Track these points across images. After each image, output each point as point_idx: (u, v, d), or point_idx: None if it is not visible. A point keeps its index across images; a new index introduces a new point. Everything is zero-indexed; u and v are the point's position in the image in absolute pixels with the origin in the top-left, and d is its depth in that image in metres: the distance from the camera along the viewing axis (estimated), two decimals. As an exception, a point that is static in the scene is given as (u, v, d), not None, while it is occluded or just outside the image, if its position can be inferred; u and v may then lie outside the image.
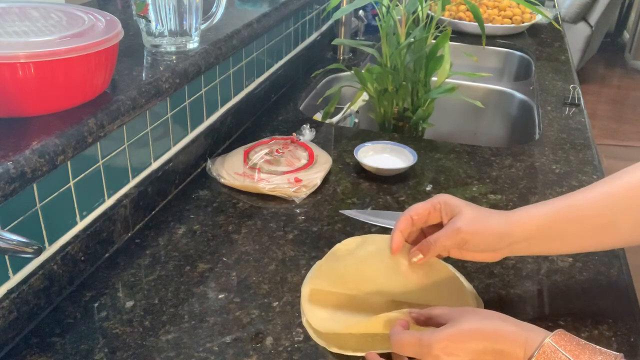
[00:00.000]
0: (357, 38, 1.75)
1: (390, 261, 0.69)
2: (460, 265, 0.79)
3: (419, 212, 0.69)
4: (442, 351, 0.56)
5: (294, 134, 1.08)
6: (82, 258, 0.74)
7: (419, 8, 1.18)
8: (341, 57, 1.64)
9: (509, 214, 0.67)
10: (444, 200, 0.68)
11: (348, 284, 0.69)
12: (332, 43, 1.43)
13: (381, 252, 0.70)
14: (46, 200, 0.67)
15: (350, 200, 0.94)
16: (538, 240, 0.66)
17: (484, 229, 0.66)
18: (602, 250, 0.78)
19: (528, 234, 0.66)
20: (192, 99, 0.97)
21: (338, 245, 0.75)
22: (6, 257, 0.63)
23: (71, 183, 0.71)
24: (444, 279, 0.70)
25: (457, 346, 0.56)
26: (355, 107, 1.33)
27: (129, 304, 0.71)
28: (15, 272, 0.65)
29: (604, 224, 0.65)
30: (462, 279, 0.75)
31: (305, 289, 0.73)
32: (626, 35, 5.02)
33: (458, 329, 0.57)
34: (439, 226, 0.69)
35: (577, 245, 0.68)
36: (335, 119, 1.29)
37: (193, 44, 0.92)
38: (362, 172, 1.02)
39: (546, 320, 0.70)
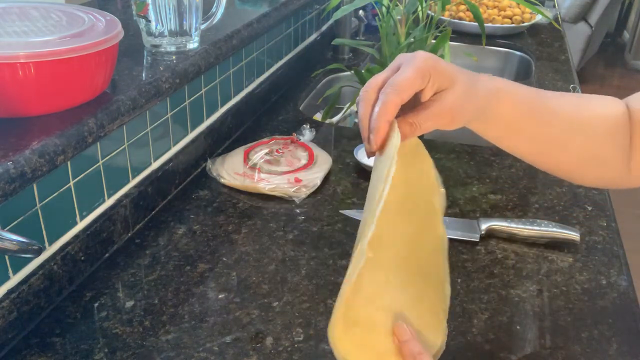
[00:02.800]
0: (357, 38, 1.75)
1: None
2: (461, 265, 0.79)
3: (408, 90, 0.52)
4: None
5: (294, 134, 1.08)
6: (82, 258, 0.74)
7: (419, 8, 1.18)
8: (341, 57, 1.64)
9: (490, 80, 0.59)
10: (433, 65, 0.53)
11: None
12: (332, 43, 1.43)
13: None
14: (46, 200, 0.67)
15: (350, 200, 0.94)
16: (496, 120, 0.60)
17: (471, 105, 0.57)
18: (543, 169, 0.70)
19: (501, 112, 0.60)
20: (192, 99, 0.97)
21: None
22: (6, 257, 0.63)
23: (71, 183, 0.71)
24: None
25: None
26: (355, 107, 1.33)
27: (129, 304, 0.71)
28: (15, 272, 0.65)
29: (553, 136, 0.62)
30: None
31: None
32: (626, 35, 5.02)
33: None
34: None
35: (524, 148, 0.63)
36: (335, 119, 1.29)
37: (193, 44, 0.92)
38: (362, 172, 1.02)
39: (546, 320, 0.70)
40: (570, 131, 0.62)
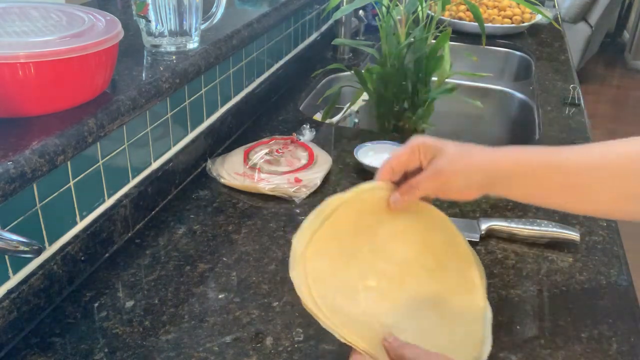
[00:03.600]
0: (357, 38, 1.75)
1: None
2: (460, 265, 0.79)
3: (399, 159, 0.66)
4: None
5: (294, 134, 1.08)
6: (82, 258, 0.74)
7: (419, 8, 1.18)
8: (341, 57, 1.64)
9: (494, 150, 0.65)
10: (422, 141, 0.65)
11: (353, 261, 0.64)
12: (332, 43, 1.43)
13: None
14: (46, 200, 0.67)
15: (350, 200, 0.94)
16: (519, 181, 0.64)
17: (467, 167, 0.64)
18: (580, 214, 0.74)
19: (510, 172, 0.64)
20: (192, 99, 0.97)
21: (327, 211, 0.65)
22: (6, 257, 0.63)
23: (71, 183, 0.71)
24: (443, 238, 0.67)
25: None
26: (355, 107, 1.33)
27: (129, 304, 0.71)
28: (15, 272, 0.65)
29: (584, 184, 0.63)
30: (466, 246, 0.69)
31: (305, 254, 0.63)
32: (626, 35, 5.02)
33: None
34: (421, 170, 0.66)
35: (555, 200, 0.66)
36: (335, 119, 1.29)
37: (193, 44, 0.92)
38: (362, 172, 1.02)
39: (546, 320, 0.70)
40: (600, 177, 0.63)
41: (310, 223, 0.64)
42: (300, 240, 0.63)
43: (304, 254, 0.62)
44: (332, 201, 0.65)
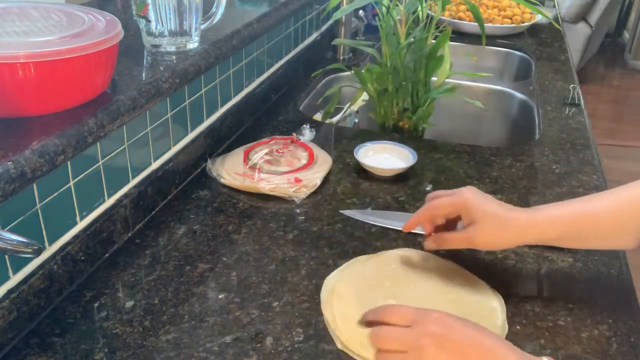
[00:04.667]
0: (357, 38, 1.75)
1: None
2: (461, 261, 0.79)
3: (439, 210, 0.72)
4: (433, 339, 0.55)
5: (294, 134, 1.08)
6: (82, 258, 0.74)
7: (419, 8, 1.18)
8: (341, 57, 1.64)
9: (526, 220, 0.68)
10: (465, 204, 0.70)
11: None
12: (332, 43, 1.43)
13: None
14: (46, 200, 0.67)
15: (350, 200, 0.94)
16: (552, 241, 0.71)
17: (499, 241, 0.70)
18: (608, 249, 0.81)
19: (544, 238, 0.69)
20: (192, 99, 0.97)
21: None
22: (6, 257, 0.63)
23: (71, 183, 0.71)
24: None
25: (450, 337, 0.56)
26: (355, 107, 1.33)
27: (129, 304, 0.71)
28: (15, 272, 0.65)
29: (616, 228, 0.68)
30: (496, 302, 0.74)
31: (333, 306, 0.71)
32: (626, 35, 5.02)
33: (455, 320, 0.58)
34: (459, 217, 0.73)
35: (588, 245, 0.72)
36: (335, 119, 1.29)
37: (193, 44, 0.92)
38: (362, 172, 1.02)
39: (546, 320, 0.70)
40: (624, 219, 0.67)
41: (338, 269, 0.77)
42: (329, 278, 0.75)
43: (332, 289, 0.73)
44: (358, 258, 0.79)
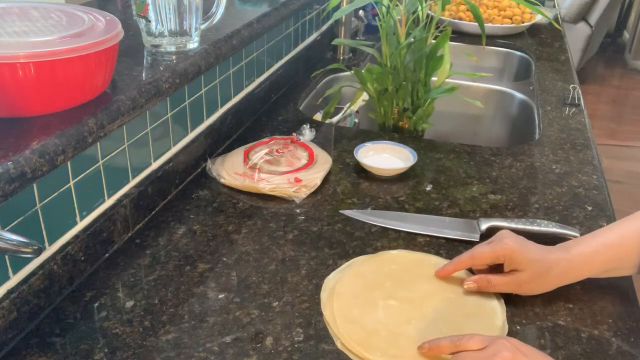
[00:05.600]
0: (357, 38, 1.75)
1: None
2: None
3: (482, 259, 0.73)
4: (506, 355, 0.56)
5: (294, 134, 1.08)
6: (82, 258, 0.74)
7: (419, 8, 1.18)
8: (341, 57, 1.63)
9: (567, 262, 0.71)
10: (510, 254, 0.71)
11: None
12: (332, 43, 1.43)
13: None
14: (46, 200, 0.67)
15: (350, 200, 0.94)
16: (596, 275, 0.73)
17: (544, 286, 0.72)
18: None
19: (584, 274, 0.72)
20: (192, 99, 0.97)
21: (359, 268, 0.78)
22: (6, 257, 0.63)
23: (71, 183, 0.71)
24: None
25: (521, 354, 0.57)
26: (355, 107, 1.33)
27: (129, 304, 0.71)
28: (15, 272, 0.65)
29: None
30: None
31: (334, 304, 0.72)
32: (626, 35, 5.01)
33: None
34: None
35: (629, 268, 0.73)
36: (335, 119, 1.29)
37: (193, 44, 0.92)
38: (362, 172, 1.02)
39: (546, 320, 0.70)
40: None
41: (338, 270, 0.77)
42: (329, 278, 0.76)
43: (332, 288, 0.73)
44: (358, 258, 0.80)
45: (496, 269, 0.73)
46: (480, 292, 0.73)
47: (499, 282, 0.72)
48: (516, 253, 0.70)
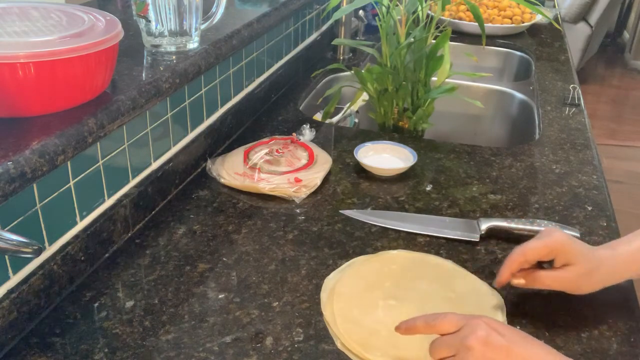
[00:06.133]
0: (357, 38, 1.75)
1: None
2: (461, 265, 0.79)
3: (535, 253, 0.70)
4: (479, 338, 0.56)
5: (294, 134, 1.08)
6: (82, 258, 0.74)
7: (419, 8, 1.18)
8: (341, 57, 1.63)
9: (613, 261, 0.70)
10: (561, 247, 0.69)
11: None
12: (332, 43, 1.43)
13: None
14: (46, 200, 0.67)
15: (350, 200, 0.94)
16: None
17: (592, 284, 0.70)
18: None
19: (631, 274, 0.71)
20: (192, 99, 0.97)
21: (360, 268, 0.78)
22: (6, 257, 0.63)
23: (71, 183, 0.71)
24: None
25: (496, 337, 0.56)
26: (355, 107, 1.33)
27: (129, 304, 0.71)
28: (15, 272, 0.65)
29: None
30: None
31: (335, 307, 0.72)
32: (626, 35, 5.01)
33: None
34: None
35: None
36: (335, 119, 1.29)
37: (193, 44, 0.92)
38: (362, 172, 1.02)
39: (546, 320, 0.70)
40: None
41: (338, 270, 0.77)
42: (329, 278, 0.76)
43: (332, 288, 0.74)
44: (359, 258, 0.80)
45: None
46: (480, 292, 0.73)
47: (546, 276, 0.69)
48: (569, 246, 0.68)
